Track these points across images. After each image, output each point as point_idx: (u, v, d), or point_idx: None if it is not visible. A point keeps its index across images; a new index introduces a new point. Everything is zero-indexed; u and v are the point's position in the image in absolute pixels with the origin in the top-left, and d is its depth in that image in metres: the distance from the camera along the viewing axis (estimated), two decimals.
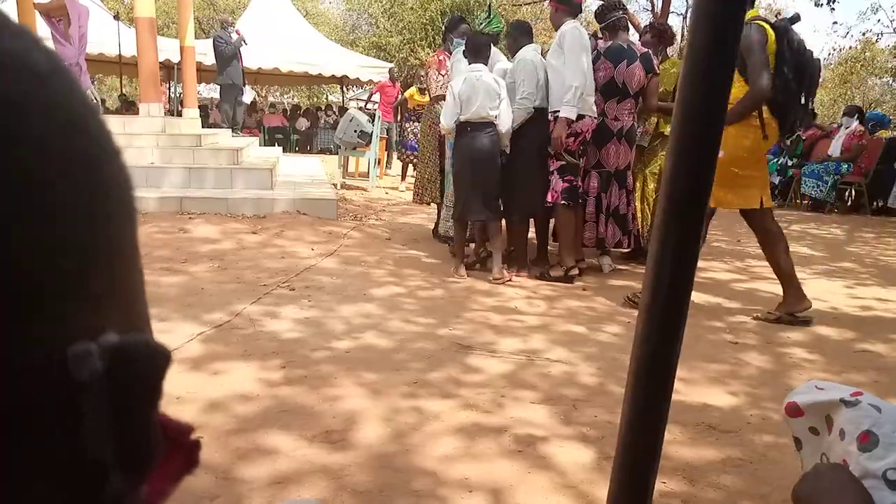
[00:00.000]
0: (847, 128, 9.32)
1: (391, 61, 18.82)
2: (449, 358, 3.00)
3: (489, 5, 6.01)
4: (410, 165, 9.74)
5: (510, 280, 4.47)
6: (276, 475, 1.97)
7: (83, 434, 0.23)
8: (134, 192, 0.28)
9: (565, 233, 4.56)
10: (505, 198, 4.66)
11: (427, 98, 6.38)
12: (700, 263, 4.73)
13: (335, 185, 8.80)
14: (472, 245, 5.08)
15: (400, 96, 10.98)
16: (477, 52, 4.45)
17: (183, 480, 0.29)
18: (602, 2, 4.78)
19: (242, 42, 10.04)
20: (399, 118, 10.73)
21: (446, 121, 4.46)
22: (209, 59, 12.25)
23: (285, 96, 29.17)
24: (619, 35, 4.66)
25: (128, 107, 15.22)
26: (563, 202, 4.47)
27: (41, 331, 0.21)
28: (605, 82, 4.55)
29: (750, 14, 3.64)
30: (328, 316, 3.53)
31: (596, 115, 4.49)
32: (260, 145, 11.57)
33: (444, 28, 5.87)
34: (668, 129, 4.77)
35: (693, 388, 2.77)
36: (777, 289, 4.59)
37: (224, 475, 1.95)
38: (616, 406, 2.45)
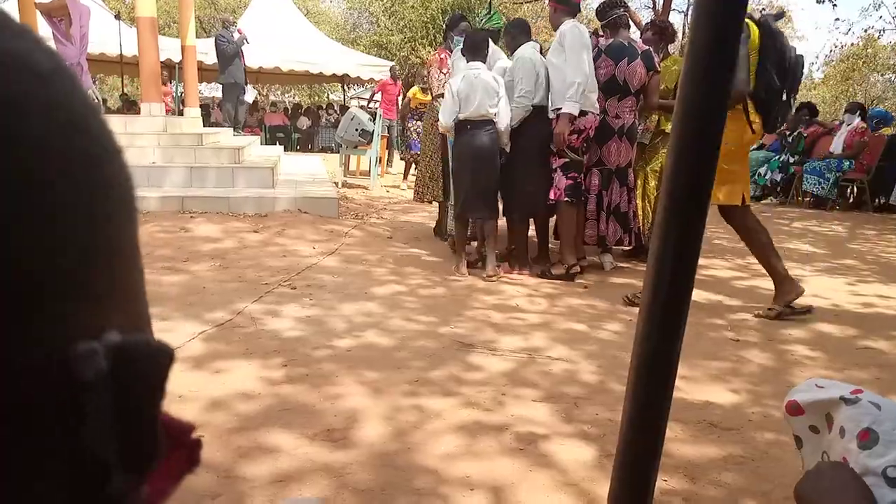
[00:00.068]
0: (849, 125, 9.30)
1: (392, 60, 18.82)
2: (450, 356, 3.00)
3: (489, 2, 6.01)
4: (413, 164, 9.74)
5: (502, 276, 4.47)
6: (277, 473, 1.97)
7: (85, 433, 0.23)
8: (135, 191, 0.28)
9: (567, 230, 4.56)
10: (505, 196, 4.67)
11: (429, 97, 6.37)
12: (701, 261, 4.75)
13: (336, 184, 8.80)
14: (474, 243, 5.08)
15: (402, 96, 10.97)
16: (474, 50, 4.45)
17: (184, 479, 0.29)
18: None
19: (244, 41, 10.04)
20: (402, 118, 10.73)
21: (445, 119, 4.46)
22: (210, 59, 12.25)
23: (286, 95, 29.17)
24: (620, 32, 4.66)
25: (129, 106, 15.22)
26: (566, 199, 4.47)
27: (41, 331, 0.21)
28: (606, 80, 4.55)
29: None
30: (329, 314, 3.53)
31: (598, 112, 4.49)
32: (261, 144, 11.57)
33: (444, 26, 5.86)
34: (669, 127, 4.78)
35: (694, 385, 2.77)
36: None
37: (226, 474, 1.96)
38: (617, 404, 2.45)
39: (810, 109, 10.61)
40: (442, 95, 5.18)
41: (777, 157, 10.23)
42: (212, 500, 1.82)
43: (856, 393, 0.97)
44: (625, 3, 4.71)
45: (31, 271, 0.21)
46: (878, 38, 23.29)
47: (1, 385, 0.20)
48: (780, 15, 3.77)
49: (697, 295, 4.11)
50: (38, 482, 0.22)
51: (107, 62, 13.84)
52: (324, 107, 20.19)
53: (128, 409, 0.24)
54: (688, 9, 18.23)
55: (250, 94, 16.47)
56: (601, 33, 4.80)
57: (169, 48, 12.19)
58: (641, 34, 5.46)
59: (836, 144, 9.35)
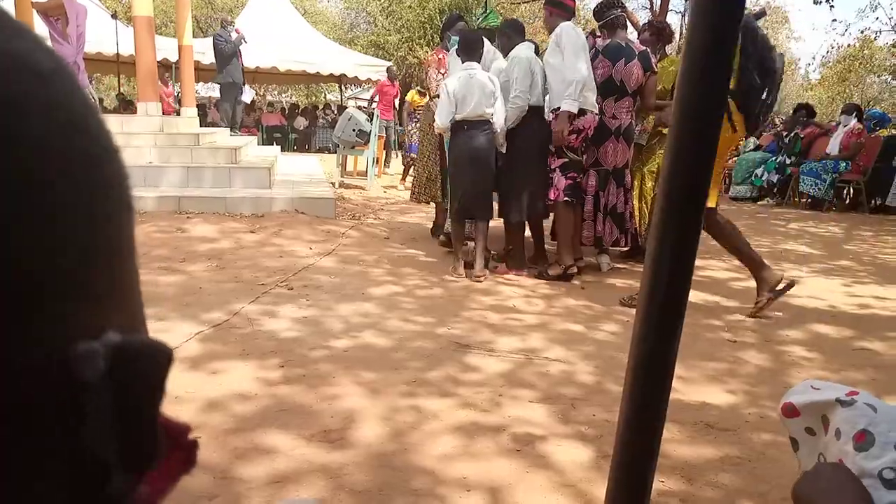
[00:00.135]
0: (845, 126, 9.32)
1: (390, 60, 18.81)
2: (447, 357, 3.00)
3: (486, 1, 6.01)
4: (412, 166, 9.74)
5: (489, 277, 4.47)
6: (274, 474, 1.97)
7: (85, 433, 0.23)
8: (132, 191, 0.28)
9: (565, 231, 4.56)
10: (502, 197, 4.67)
11: (426, 99, 6.37)
12: (698, 262, 4.73)
13: (333, 184, 8.79)
14: (471, 243, 5.07)
15: (399, 97, 10.95)
16: (469, 50, 4.45)
17: (181, 480, 0.29)
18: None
19: (242, 40, 10.03)
20: (402, 122, 10.71)
21: (441, 120, 4.46)
22: (207, 58, 12.24)
23: (283, 95, 29.15)
24: (617, 33, 4.66)
25: (126, 106, 15.20)
26: (565, 199, 4.47)
27: (41, 331, 0.21)
28: (603, 80, 4.55)
29: None
30: (326, 315, 3.52)
31: (597, 112, 4.49)
32: (258, 144, 11.55)
33: (441, 26, 5.87)
34: (665, 128, 4.78)
35: (691, 386, 2.77)
36: None
37: (222, 475, 1.95)
38: (614, 405, 2.45)
39: (808, 111, 10.63)
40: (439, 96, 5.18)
41: (774, 159, 10.25)
42: (209, 501, 1.82)
43: (851, 395, 0.97)
44: (622, 3, 4.72)
45: (31, 271, 0.21)
46: (875, 39, 23.36)
47: (1, 385, 0.20)
48: (762, 14, 3.78)
49: (694, 296, 4.12)
50: (38, 482, 0.22)
51: (103, 61, 13.82)
52: (321, 107, 20.18)
53: (127, 409, 0.24)
54: (685, 10, 18.26)
55: (248, 95, 16.45)
56: (598, 34, 4.81)
57: (166, 48, 12.17)
58: (639, 35, 5.47)
59: (833, 146, 9.37)
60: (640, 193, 5.03)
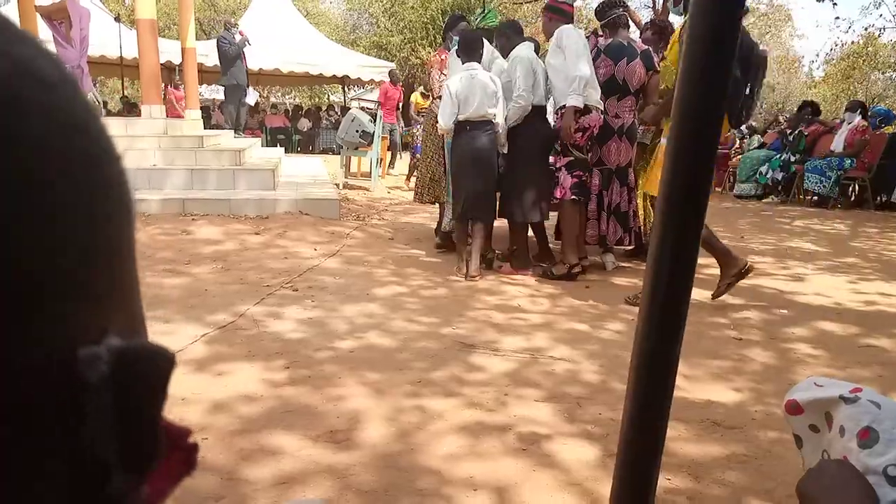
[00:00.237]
0: (850, 123, 9.29)
1: (392, 61, 18.82)
2: (452, 357, 3.00)
3: (484, 1, 6.00)
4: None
5: (481, 278, 4.46)
6: (280, 475, 1.97)
7: (85, 434, 0.23)
8: (133, 194, 0.28)
9: (570, 229, 4.55)
10: (504, 197, 4.67)
11: (430, 102, 6.37)
12: (703, 260, 4.71)
13: (337, 186, 8.80)
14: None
15: (402, 99, 10.95)
16: (469, 50, 4.46)
17: (182, 481, 0.29)
18: None
19: (246, 42, 10.05)
20: (408, 119, 10.70)
21: (444, 121, 4.46)
22: (210, 61, 12.27)
23: (287, 97, 29.18)
24: (619, 32, 4.66)
25: (130, 109, 15.24)
26: (572, 197, 4.46)
27: (41, 331, 0.21)
28: (605, 80, 4.55)
29: None
30: (331, 316, 3.53)
31: (602, 109, 4.49)
32: (262, 146, 11.58)
33: (444, 27, 5.87)
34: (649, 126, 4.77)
35: (697, 384, 2.76)
36: (779, 284, 4.60)
37: (229, 476, 1.96)
38: (620, 403, 2.44)
39: (813, 108, 10.59)
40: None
41: (778, 156, 10.23)
42: (215, 502, 1.82)
43: (855, 391, 0.97)
44: (624, 2, 4.71)
45: (32, 271, 0.21)
46: (879, 36, 23.27)
47: (1, 385, 0.20)
48: (745, 10, 3.78)
49: (699, 294, 4.11)
50: (38, 482, 0.22)
51: (107, 64, 13.86)
52: (324, 108, 20.19)
53: (128, 411, 0.24)
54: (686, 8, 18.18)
55: (252, 97, 16.48)
56: (600, 33, 4.81)
57: (169, 50, 12.20)
58: (641, 34, 5.47)
59: (837, 143, 9.35)
60: (643, 192, 5.03)
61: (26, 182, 0.21)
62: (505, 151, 4.61)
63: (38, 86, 0.22)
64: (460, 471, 2.03)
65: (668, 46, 4.28)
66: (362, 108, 14.71)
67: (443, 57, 5.64)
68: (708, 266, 5.07)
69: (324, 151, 16.27)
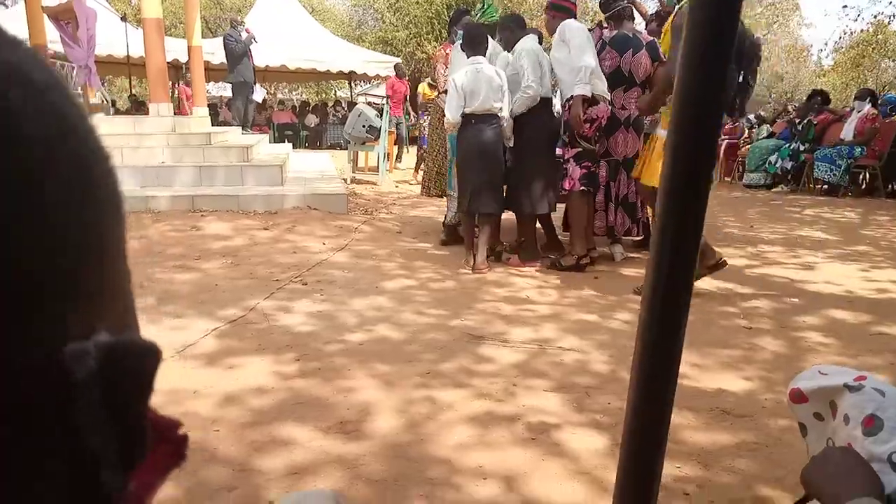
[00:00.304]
0: (859, 111, 9.22)
1: (398, 56, 18.81)
2: (461, 348, 3.01)
3: None
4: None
5: (488, 270, 4.46)
6: (292, 466, 1.99)
7: (80, 431, 0.23)
8: (122, 193, 0.28)
9: (579, 220, 4.54)
10: (511, 190, 4.66)
11: (436, 93, 6.37)
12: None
13: (345, 180, 8.81)
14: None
15: (409, 92, 10.94)
16: (473, 44, 4.45)
17: (171, 473, 0.30)
18: None
19: (253, 40, 10.07)
20: (416, 108, 10.69)
21: (452, 114, 4.45)
22: (217, 59, 12.29)
23: (294, 93, 29.21)
24: (624, 24, 4.64)
25: (138, 107, 15.30)
26: (581, 188, 4.45)
27: (41, 331, 0.22)
28: (611, 71, 4.53)
29: None
30: (340, 309, 3.55)
31: (609, 100, 4.47)
32: (270, 142, 11.60)
33: (449, 21, 5.86)
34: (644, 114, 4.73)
35: (707, 373, 2.76)
36: (790, 272, 4.58)
37: (241, 467, 1.98)
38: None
39: (823, 97, 10.51)
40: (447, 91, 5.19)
41: (787, 145, 10.16)
42: (228, 493, 1.84)
43: (859, 380, 0.97)
44: None
45: (31, 271, 0.21)
46: (889, 23, 23.01)
47: (1, 385, 0.21)
48: None
49: (709, 283, 4.10)
50: (37, 482, 0.22)
51: (114, 63, 13.90)
52: (331, 104, 20.21)
53: (116, 406, 0.24)
54: None
55: (259, 94, 16.48)
56: (605, 25, 4.79)
57: (175, 49, 12.23)
58: (646, 25, 5.44)
59: (847, 131, 9.28)
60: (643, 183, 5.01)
61: (23, 183, 0.21)
62: (511, 145, 4.60)
63: (29, 89, 0.23)
64: (469, 460, 2.04)
65: (661, 35, 4.26)
66: (369, 103, 14.71)
67: (448, 51, 5.65)
68: None
69: (331, 147, 16.28)
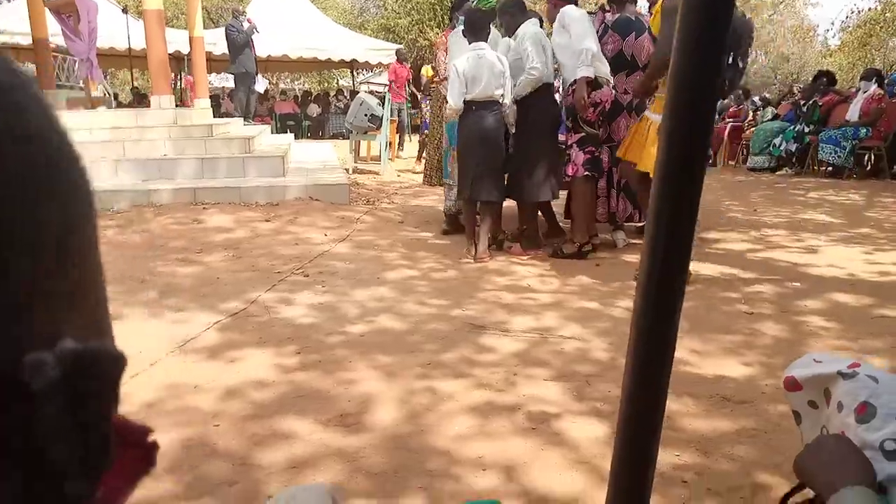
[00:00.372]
0: (865, 92, 9.13)
1: (400, 43, 18.71)
2: (462, 338, 3.01)
3: None
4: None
5: (490, 259, 4.45)
6: (292, 460, 2.00)
7: (40, 438, 0.23)
8: (93, 196, 0.28)
9: (582, 206, 4.51)
10: (513, 177, 4.64)
11: (437, 79, 6.35)
12: (715, 234, 4.71)
13: (347, 170, 8.80)
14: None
15: (410, 77, 10.90)
16: (475, 30, 4.42)
17: (140, 480, 0.30)
18: None
19: (254, 30, 10.05)
20: (423, 89, 10.66)
21: (454, 100, 4.42)
22: (218, 49, 12.27)
23: (296, 83, 29.13)
24: (626, 7, 4.60)
25: (140, 100, 15.30)
26: (585, 173, 4.43)
27: (11, 335, 0.22)
28: (613, 55, 4.50)
29: None
30: (342, 300, 3.55)
31: (612, 84, 4.44)
32: (272, 133, 11.59)
33: (451, 7, 5.83)
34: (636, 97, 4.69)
35: (707, 359, 2.76)
36: (793, 256, 4.56)
37: (241, 461, 1.99)
38: None
39: (829, 78, 10.40)
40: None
41: (792, 128, 10.08)
42: (228, 488, 1.85)
43: (853, 367, 0.96)
44: None
45: (6, 273, 0.21)
46: None
47: None
48: None
49: (711, 269, 4.09)
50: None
51: (116, 56, 13.90)
52: (333, 93, 20.15)
53: (81, 413, 0.24)
54: None
55: (262, 84, 16.45)
56: (608, 8, 4.75)
57: (177, 40, 12.20)
58: (650, 8, 5.38)
59: (853, 112, 9.19)
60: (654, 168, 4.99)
61: None
62: (514, 131, 4.57)
63: None
64: (470, 451, 2.05)
65: (651, 17, 4.22)
66: (371, 92, 14.67)
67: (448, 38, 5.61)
68: (721, 240, 5.04)
69: (334, 136, 16.27)
